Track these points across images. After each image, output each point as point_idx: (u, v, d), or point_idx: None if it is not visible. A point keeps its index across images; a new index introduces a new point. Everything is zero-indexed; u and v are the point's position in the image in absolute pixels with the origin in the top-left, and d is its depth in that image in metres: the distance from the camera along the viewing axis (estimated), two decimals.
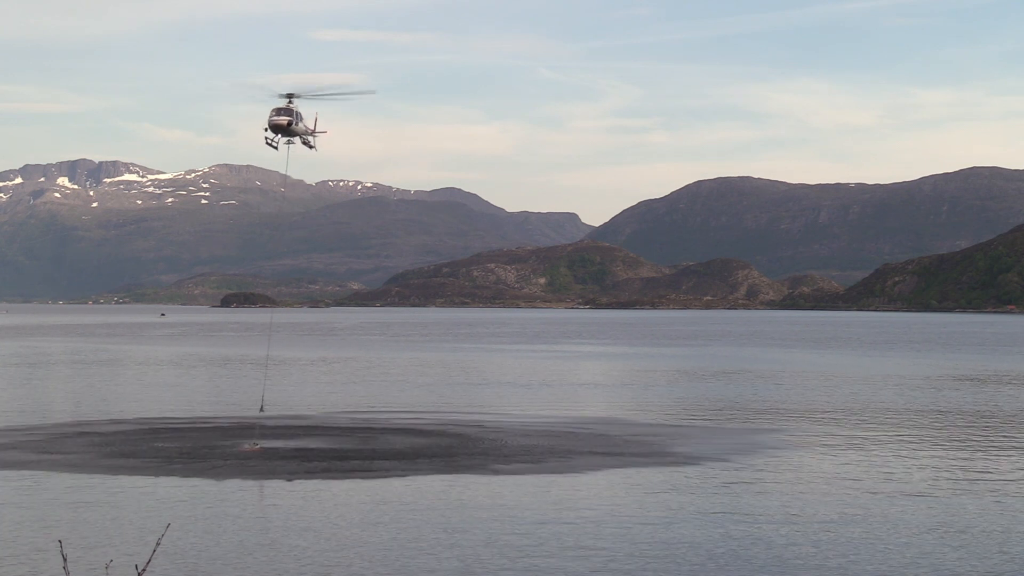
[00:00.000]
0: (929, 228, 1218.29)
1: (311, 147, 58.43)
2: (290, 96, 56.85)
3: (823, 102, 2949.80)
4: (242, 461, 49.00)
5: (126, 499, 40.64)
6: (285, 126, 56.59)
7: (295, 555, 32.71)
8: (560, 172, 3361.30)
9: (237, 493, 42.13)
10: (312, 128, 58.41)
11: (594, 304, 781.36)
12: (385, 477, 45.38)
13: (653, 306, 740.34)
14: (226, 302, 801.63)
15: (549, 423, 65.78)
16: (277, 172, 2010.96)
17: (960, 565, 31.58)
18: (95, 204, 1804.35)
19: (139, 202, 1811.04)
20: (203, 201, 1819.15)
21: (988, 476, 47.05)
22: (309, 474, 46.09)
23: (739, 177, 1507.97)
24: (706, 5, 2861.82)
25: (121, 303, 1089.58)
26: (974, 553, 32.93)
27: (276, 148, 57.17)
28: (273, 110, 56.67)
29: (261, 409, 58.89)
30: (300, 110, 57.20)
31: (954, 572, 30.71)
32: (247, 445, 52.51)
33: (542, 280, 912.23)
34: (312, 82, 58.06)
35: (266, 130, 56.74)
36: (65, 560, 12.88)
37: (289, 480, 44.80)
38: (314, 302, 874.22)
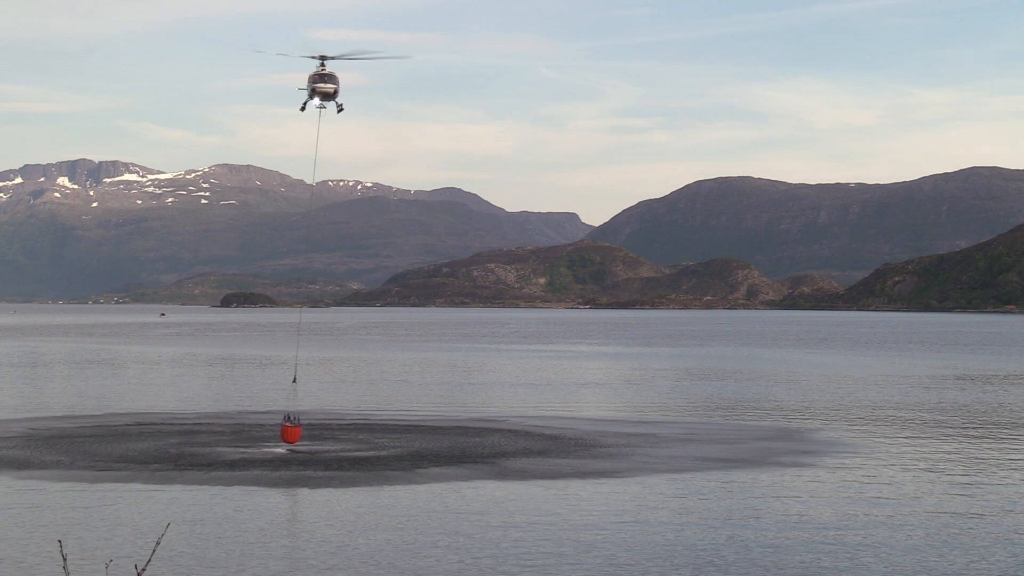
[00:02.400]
0: (929, 228, 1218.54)
1: (341, 110, 56.88)
2: (323, 58, 55.36)
3: (823, 102, 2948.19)
4: (256, 464, 48.68)
5: (149, 502, 40.36)
6: (332, 95, 55.19)
7: (293, 558, 32.51)
8: (560, 172, 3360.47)
9: (253, 497, 41.84)
10: None
11: (594, 304, 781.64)
12: (388, 482, 45.02)
13: (653, 306, 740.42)
14: (226, 302, 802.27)
15: (557, 423, 65.53)
16: (277, 172, 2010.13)
17: (968, 569, 31.36)
18: (95, 204, 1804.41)
19: (139, 202, 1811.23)
20: (203, 201, 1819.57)
21: (992, 477, 46.85)
22: (318, 478, 45.76)
23: (739, 177, 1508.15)
24: (706, 5, 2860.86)
25: (121, 303, 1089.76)
26: (982, 556, 32.71)
27: (303, 111, 55.84)
28: (318, 75, 55.00)
29: (294, 380, 62.82)
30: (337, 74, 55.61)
31: None
32: (288, 424, 52.98)
33: (542, 280, 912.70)
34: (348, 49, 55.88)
35: (312, 96, 55.02)
36: (65, 560, 12.87)
37: (300, 484, 44.43)
38: (314, 302, 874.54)
